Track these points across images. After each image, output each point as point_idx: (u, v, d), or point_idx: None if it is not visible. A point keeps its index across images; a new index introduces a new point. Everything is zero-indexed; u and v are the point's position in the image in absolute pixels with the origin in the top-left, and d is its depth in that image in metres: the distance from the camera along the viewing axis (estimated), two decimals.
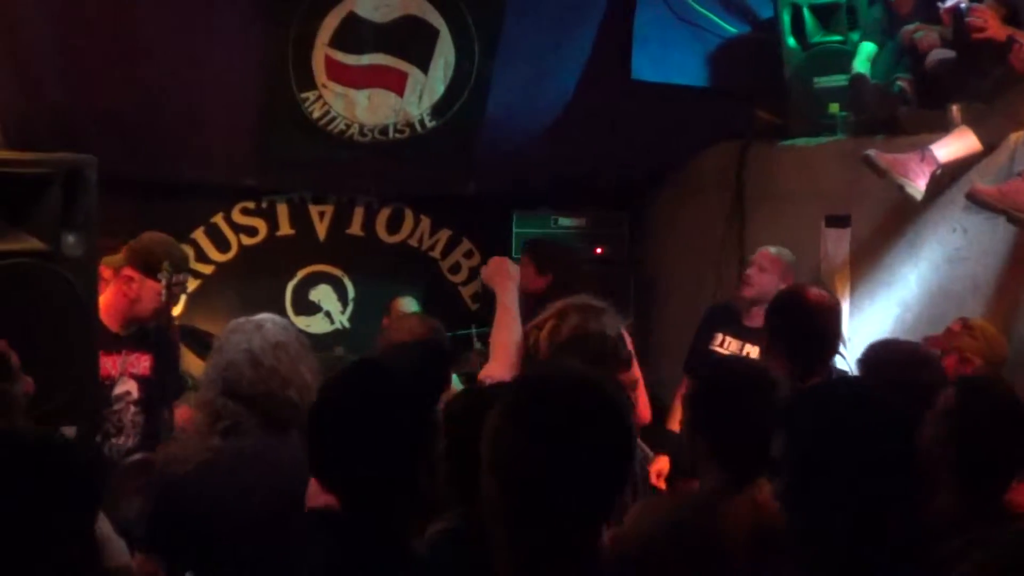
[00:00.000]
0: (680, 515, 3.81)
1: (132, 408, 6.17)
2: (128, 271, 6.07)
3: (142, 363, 6.21)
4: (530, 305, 7.26)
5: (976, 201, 6.46)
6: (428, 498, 3.35)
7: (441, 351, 4.94)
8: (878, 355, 5.10)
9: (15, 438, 3.16)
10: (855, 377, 4.97)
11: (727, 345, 7.45)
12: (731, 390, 3.95)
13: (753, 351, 7.30)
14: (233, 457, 4.35)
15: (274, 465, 4.31)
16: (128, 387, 6.14)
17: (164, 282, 6.01)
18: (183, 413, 5.67)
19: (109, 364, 5.96)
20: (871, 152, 6.81)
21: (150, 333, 6.28)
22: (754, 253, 7.58)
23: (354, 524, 3.18)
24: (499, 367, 5.08)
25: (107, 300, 5.89)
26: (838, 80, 8.05)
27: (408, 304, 8.69)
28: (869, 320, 7.32)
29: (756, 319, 7.27)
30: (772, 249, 7.46)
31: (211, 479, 4.32)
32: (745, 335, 7.38)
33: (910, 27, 7.39)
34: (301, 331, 8.07)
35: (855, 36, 8.06)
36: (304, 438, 4.19)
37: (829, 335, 5.17)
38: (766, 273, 7.36)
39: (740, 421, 3.78)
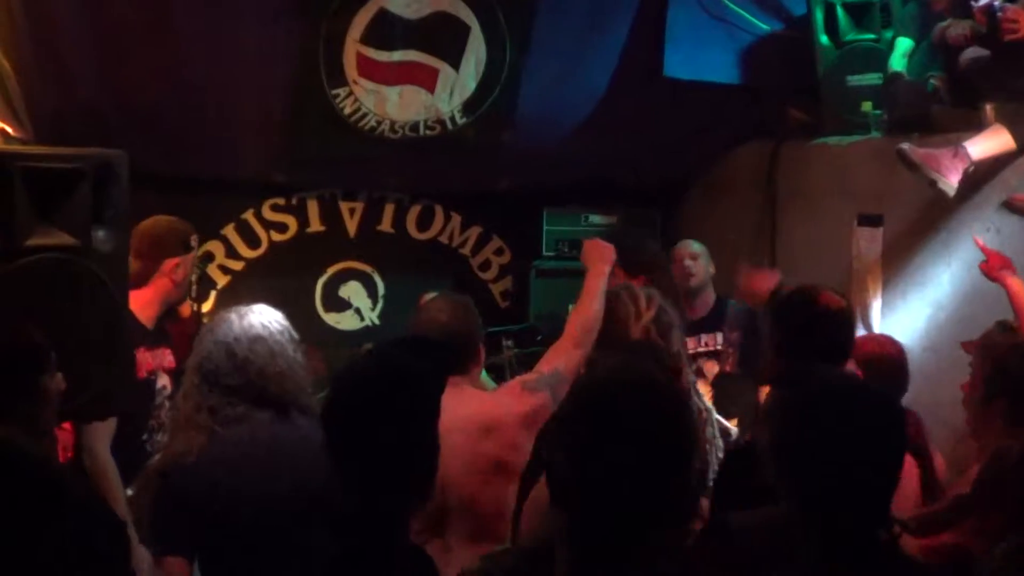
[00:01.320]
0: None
1: (167, 403, 6.19)
2: (171, 261, 6.11)
3: (168, 357, 6.23)
4: None
5: (1015, 209, 6.44)
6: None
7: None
8: None
9: None
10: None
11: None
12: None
13: (710, 339, 7.45)
14: (230, 444, 4.43)
15: (275, 446, 4.42)
16: (164, 382, 6.15)
17: (195, 248, 6.16)
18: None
19: (148, 359, 5.98)
20: (905, 146, 6.78)
21: (166, 328, 6.33)
22: (786, 252, 7.63)
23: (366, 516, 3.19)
24: (557, 356, 5.00)
25: (144, 296, 5.89)
26: (871, 78, 8.02)
27: None
28: (901, 320, 7.29)
29: (698, 310, 7.46)
30: (693, 243, 7.99)
31: (212, 467, 4.40)
32: (693, 329, 7.51)
33: (943, 23, 7.35)
34: (330, 328, 8.25)
35: (888, 34, 8.03)
36: (306, 420, 4.41)
37: (839, 344, 4.74)
38: (699, 260, 7.86)
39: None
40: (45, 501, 2.98)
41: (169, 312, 6.29)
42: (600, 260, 5.38)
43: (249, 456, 4.40)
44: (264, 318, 4.63)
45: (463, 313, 4.86)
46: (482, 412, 4.60)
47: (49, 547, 2.95)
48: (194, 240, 6.26)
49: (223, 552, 4.42)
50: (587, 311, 5.10)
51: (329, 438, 3.26)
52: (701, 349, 7.57)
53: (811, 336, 4.53)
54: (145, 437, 5.93)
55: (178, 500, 4.41)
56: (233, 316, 4.61)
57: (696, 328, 7.53)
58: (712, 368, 7.44)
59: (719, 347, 7.44)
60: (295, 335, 4.72)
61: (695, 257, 7.86)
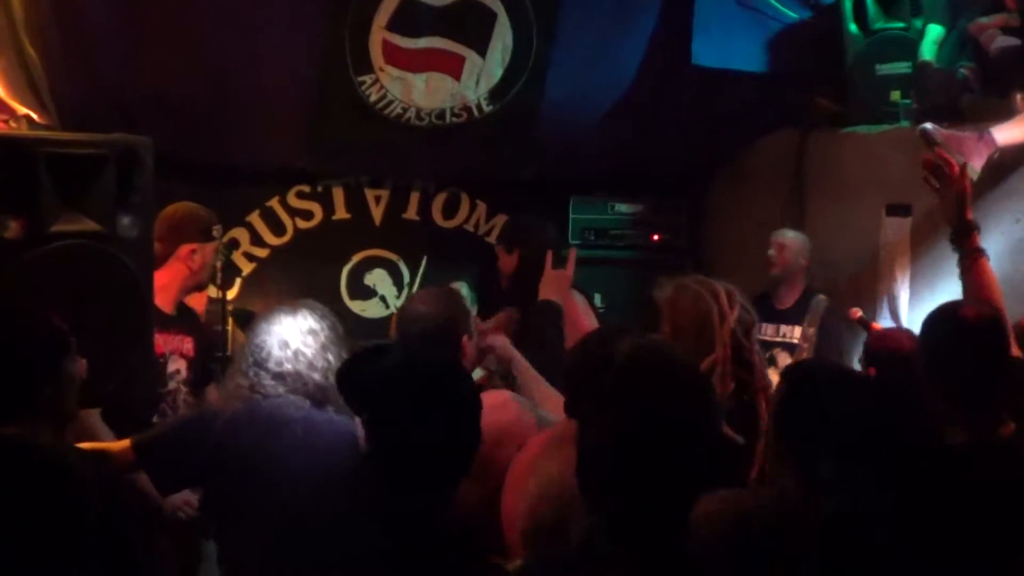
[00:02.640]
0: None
1: (184, 388, 6.20)
2: (188, 247, 6.12)
3: (186, 344, 6.25)
4: (508, 288, 7.22)
5: None
6: None
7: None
8: None
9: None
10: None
11: (763, 331, 7.50)
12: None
13: (789, 331, 7.40)
14: (264, 412, 4.53)
15: (309, 431, 4.49)
16: (178, 366, 6.17)
17: (218, 239, 6.15)
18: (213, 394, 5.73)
19: (160, 342, 5.97)
20: (928, 125, 6.74)
21: (189, 315, 6.34)
22: (813, 241, 7.66)
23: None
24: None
25: (161, 280, 5.88)
26: (900, 67, 7.97)
27: (460, 289, 8.67)
28: (928, 310, 7.21)
29: (785, 300, 7.44)
30: (788, 231, 8.01)
31: (241, 432, 4.49)
32: (777, 318, 7.52)
33: (983, 20, 7.30)
34: (355, 316, 8.24)
35: (918, 23, 7.98)
36: (342, 417, 4.47)
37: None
38: (786, 251, 7.87)
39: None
40: (67, 503, 2.96)
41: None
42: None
43: (279, 427, 4.48)
44: (317, 314, 4.76)
45: (445, 303, 4.89)
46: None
47: (74, 547, 2.94)
48: (216, 230, 6.27)
49: (233, 515, 4.48)
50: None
51: (377, 435, 3.34)
52: (778, 339, 7.65)
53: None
54: (156, 420, 5.94)
55: (195, 440, 4.52)
56: (288, 310, 4.75)
57: (779, 317, 7.69)
58: (785, 360, 7.42)
59: (795, 340, 7.40)
60: (342, 332, 4.82)
61: (781, 247, 7.90)
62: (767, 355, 6.09)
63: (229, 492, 4.51)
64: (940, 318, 4.54)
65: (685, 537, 2.76)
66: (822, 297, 7.43)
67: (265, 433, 4.47)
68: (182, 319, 6.31)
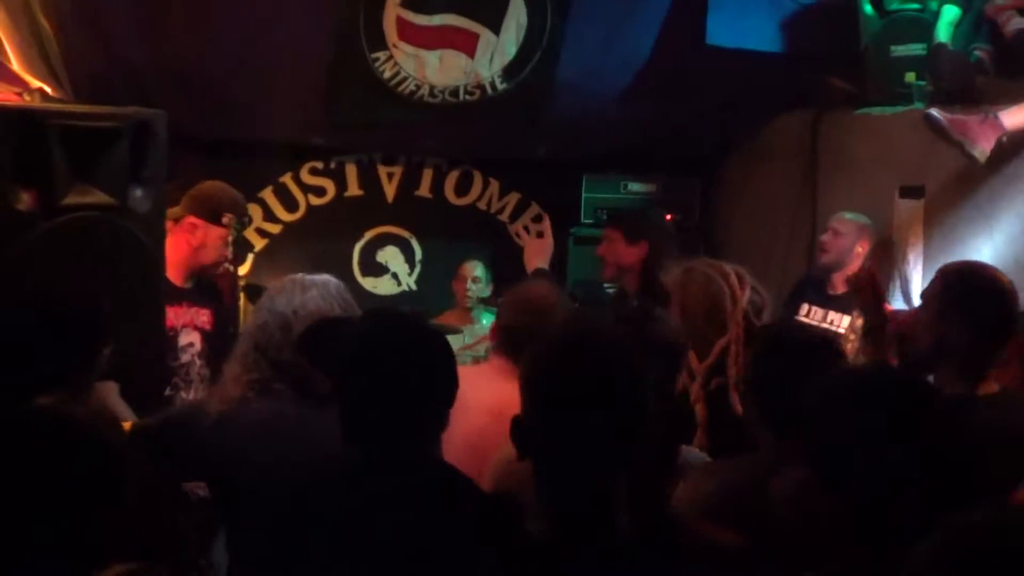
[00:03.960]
0: (735, 483, 3.75)
1: (198, 361, 6.20)
2: (191, 219, 6.10)
3: (202, 316, 6.24)
4: (629, 280, 7.24)
5: None
6: None
7: None
8: None
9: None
10: None
11: (812, 315, 7.44)
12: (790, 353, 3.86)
13: (837, 319, 7.29)
14: (253, 416, 4.33)
15: (304, 433, 4.24)
16: (192, 339, 6.16)
17: (230, 231, 6.08)
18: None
19: (171, 315, 5.96)
20: (932, 111, 6.74)
21: (207, 288, 6.31)
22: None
23: None
24: None
25: (169, 251, 5.82)
26: (915, 49, 7.94)
27: (475, 268, 8.68)
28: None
29: (838, 286, 7.30)
30: (848, 215, 7.60)
31: (226, 434, 4.31)
32: (828, 303, 7.39)
33: (1000, 2, 7.28)
34: (367, 292, 8.23)
35: (933, 4, 7.94)
36: None
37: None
38: (840, 237, 7.41)
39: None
40: (106, 475, 2.94)
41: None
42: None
43: (268, 429, 4.32)
44: (326, 291, 4.45)
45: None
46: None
47: (110, 520, 2.93)
48: (227, 218, 6.19)
49: (227, 511, 4.44)
50: None
51: (347, 391, 3.36)
52: (824, 324, 7.43)
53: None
54: (169, 392, 5.94)
55: (183, 437, 4.40)
56: (295, 288, 4.43)
57: (830, 303, 7.48)
58: None
59: (843, 330, 7.27)
60: (357, 310, 4.49)
61: (836, 233, 7.60)
62: None
63: (218, 491, 4.45)
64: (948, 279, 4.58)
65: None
66: None
67: (252, 440, 4.26)
68: (198, 292, 6.30)
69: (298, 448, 4.10)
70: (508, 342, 4.86)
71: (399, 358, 3.32)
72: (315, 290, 4.43)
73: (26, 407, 3.32)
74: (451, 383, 3.39)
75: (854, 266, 7.48)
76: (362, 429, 3.34)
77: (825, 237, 7.63)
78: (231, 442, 4.25)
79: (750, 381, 4.01)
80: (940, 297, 4.48)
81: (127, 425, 4.58)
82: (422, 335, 3.44)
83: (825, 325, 7.37)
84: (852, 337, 6.85)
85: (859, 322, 6.87)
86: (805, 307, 7.53)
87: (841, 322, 7.30)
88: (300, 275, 4.51)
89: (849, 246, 7.57)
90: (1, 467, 2.79)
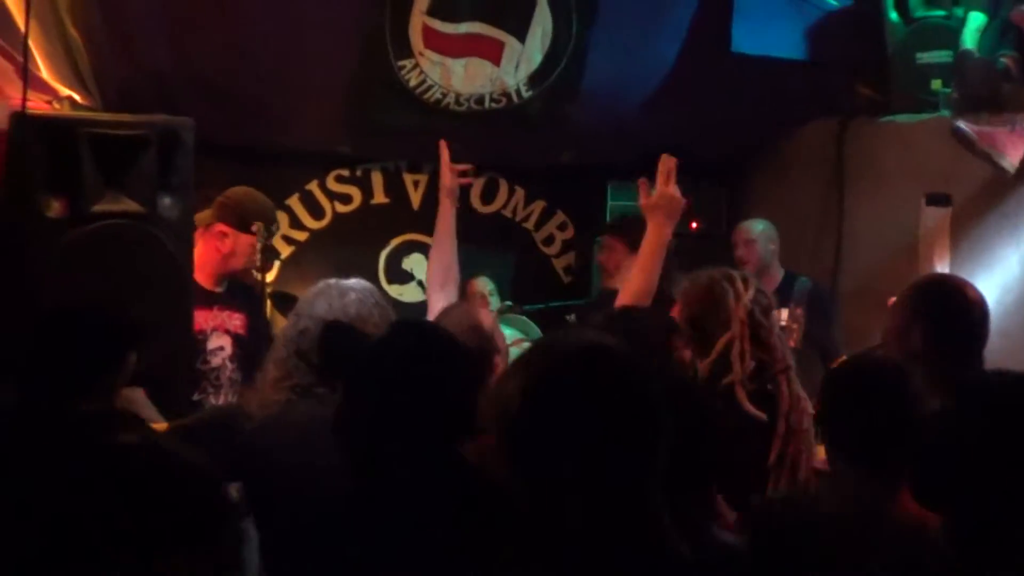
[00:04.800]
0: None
1: (230, 365, 6.19)
2: (221, 226, 6.09)
3: (234, 320, 6.23)
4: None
5: None
6: None
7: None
8: None
9: None
10: None
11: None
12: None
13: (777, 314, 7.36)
14: (299, 418, 4.29)
15: None
16: (222, 342, 6.15)
17: (259, 238, 6.07)
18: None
19: (200, 319, 5.95)
20: (960, 123, 6.74)
21: (241, 292, 6.31)
22: (852, 230, 7.60)
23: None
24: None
25: (198, 255, 5.84)
26: (941, 56, 7.94)
27: (485, 283, 8.68)
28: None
29: (768, 286, 7.42)
30: (745, 223, 8.08)
31: (272, 436, 4.30)
32: None
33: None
34: (393, 300, 8.24)
35: (959, 11, 7.95)
36: None
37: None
38: (754, 244, 7.88)
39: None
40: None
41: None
42: (668, 215, 5.13)
43: (311, 437, 4.32)
44: (365, 297, 4.47)
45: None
46: None
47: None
48: (256, 226, 6.18)
49: (263, 517, 4.42)
50: (644, 281, 4.93)
51: (366, 394, 3.35)
52: None
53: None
54: (199, 396, 5.95)
55: (224, 438, 4.39)
56: (334, 293, 4.44)
57: None
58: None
59: (784, 323, 7.35)
60: (392, 316, 4.53)
61: (749, 243, 7.85)
62: None
63: (256, 495, 4.44)
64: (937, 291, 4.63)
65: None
66: (805, 279, 7.55)
67: (295, 445, 4.21)
68: (230, 295, 6.29)
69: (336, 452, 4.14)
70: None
71: (419, 370, 3.31)
72: (353, 295, 4.44)
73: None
74: (471, 393, 3.36)
75: (775, 267, 7.79)
76: (379, 443, 3.33)
77: (740, 252, 7.86)
78: (273, 444, 4.25)
79: (822, 414, 3.92)
80: (906, 306, 4.53)
81: (163, 426, 4.60)
82: (444, 346, 3.42)
83: None
84: (795, 326, 6.92)
85: (798, 311, 6.94)
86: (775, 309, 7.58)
87: (780, 316, 7.35)
88: (336, 280, 4.51)
89: (764, 250, 7.83)
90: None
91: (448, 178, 5.66)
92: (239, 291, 6.33)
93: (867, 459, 3.51)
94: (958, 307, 4.51)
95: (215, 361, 6.13)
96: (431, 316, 4.78)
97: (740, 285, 4.95)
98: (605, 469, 2.58)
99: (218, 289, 6.18)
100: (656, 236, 5.06)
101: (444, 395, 3.33)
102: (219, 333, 6.14)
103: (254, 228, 6.12)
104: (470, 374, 3.42)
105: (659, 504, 2.65)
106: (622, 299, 4.90)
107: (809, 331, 7.02)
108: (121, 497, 2.58)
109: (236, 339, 6.22)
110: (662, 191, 5.07)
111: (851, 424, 3.60)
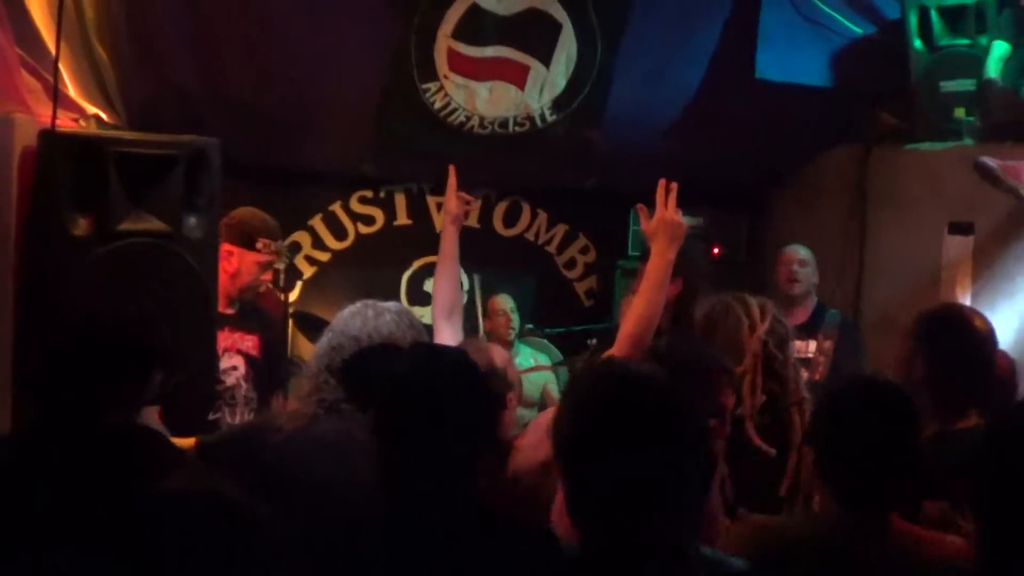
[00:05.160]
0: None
1: (244, 384, 6.21)
2: (226, 246, 6.09)
3: (246, 341, 6.24)
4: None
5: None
6: None
7: None
8: None
9: None
10: None
11: None
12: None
13: (804, 346, 7.27)
14: (323, 433, 4.31)
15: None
16: (234, 362, 6.15)
17: (264, 255, 6.10)
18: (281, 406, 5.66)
19: None
20: (983, 158, 6.73)
21: (253, 315, 6.33)
22: (875, 258, 7.58)
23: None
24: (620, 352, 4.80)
25: None
26: (965, 84, 7.93)
27: (507, 301, 8.69)
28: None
29: (799, 315, 7.35)
30: (796, 245, 7.93)
31: (295, 451, 4.28)
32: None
33: None
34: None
35: (983, 40, 7.93)
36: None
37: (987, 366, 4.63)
38: (807, 266, 7.77)
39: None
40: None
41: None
42: (670, 240, 4.99)
43: (338, 451, 4.34)
44: (399, 319, 4.46)
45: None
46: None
47: None
48: (260, 243, 6.19)
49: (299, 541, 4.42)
50: (646, 308, 4.79)
51: (396, 422, 3.37)
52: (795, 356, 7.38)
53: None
54: (214, 416, 5.96)
55: (253, 451, 4.40)
56: (369, 312, 4.44)
57: (796, 333, 7.39)
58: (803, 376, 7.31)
59: (809, 355, 7.29)
60: (425, 337, 4.62)
61: (803, 263, 7.78)
62: None
63: (282, 507, 4.43)
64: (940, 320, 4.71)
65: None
66: (835, 312, 7.52)
67: (322, 457, 4.23)
68: (242, 317, 6.31)
69: (362, 468, 4.15)
70: None
71: (433, 395, 3.35)
72: (388, 315, 4.44)
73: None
74: (486, 418, 3.43)
75: (812, 295, 7.75)
76: (395, 466, 3.38)
77: (795, 268, 7.76)
78: (298, 459, 4.27)
79: (813, 441, 3.77)
80: (910, 334, 4.55)
81: (189, 442, 4.61)
82: (459, 371, 3.44)
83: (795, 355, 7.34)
84: (822, 359, 6.87)
85: (827, 344, 6.87)
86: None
87: (808, 348, 7.28)
88: (373, 301, 4.51)
89: (813, 275, 7.78)
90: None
91: (454, 203, 5.64)
92: (251, 313, 6.35)
93: (857, 492, 3.46)
94: (959, 335, 4.53)
95: (229, 380, 6.14)
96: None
97: (756, 313, 4.96)
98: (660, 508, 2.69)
99: (229, 311, 6.19)
100: (658, 261, 4.92)
101: (471, 420, 3.36)
102: (231, 353, 6.15)
103: (259, 245, 6.15)
104: (493, 401, 3.45)
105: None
106: (626, 325, 4.79)
107: (838, 365, 6.98)
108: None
109: (249, 359, 6.24)
110: (661, 216, 4.99)
111: (838, 456, 3.52)
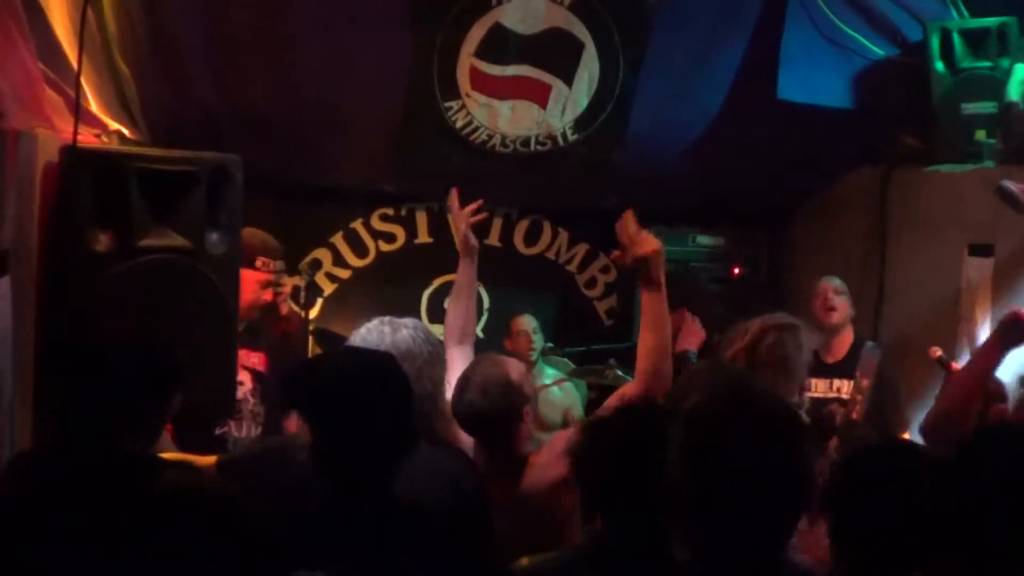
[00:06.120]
0: None
1: (251, 399, 6.22)
2: None
3: (252, 358, 6.25)
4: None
5: None
6: None
7: None
8: None
9: None
10: None
11: (815, 388, 7.13)
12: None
13: (841, 385, 7.14)
14: None
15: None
16: (241, 377, 6.16)
17: (263, 273, 6.12)
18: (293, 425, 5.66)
19: None
20: (1004, 182, 6.72)
21: (260, 333, 6.35)
22: (895, 280, 7.54)
23: None
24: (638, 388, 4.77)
25: None
26: (986, 107, 7.93)
27: (530, 321, 8.68)
28: (1007, 355, 7.18)
29: (837, 352, 7.22)
30: (832, 277, 7.68)
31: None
32: (830, 372, 7.27)
33: None
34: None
35: (1005, 62, 7.94)
36: (435, 449, 4.29)
37: None
38: (844, 297, 7.56)
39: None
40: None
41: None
42: (653, 268, 4.79)
43: None
44: (417, 334, 4.49)
45: (499, 393, 4.75)
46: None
47: None
48: (260, 262, 6.18)
49: None
50: (655, 341, 4.70)
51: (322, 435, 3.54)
52: (832, 395, 7.15)
53: None
54: (220, 431, 5.98)
55: (277, 470, 4.41)
56: (387, 328, 4.48)
57: (830, 371, 7.26)
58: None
59: (845, 395, 6.97)
60: (444, 356, 4.62)
61: (839, 292, 7.58)
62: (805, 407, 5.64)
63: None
64: None
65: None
66: (872, 344, 7.30)
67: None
68: (249, 335, 6.30)
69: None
70: None
71: (350, 393, 3.53)
72: (405, 331, 4.48)
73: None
74: (404, 414, 3.56)
75: (850, 329, 7.53)
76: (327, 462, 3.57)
77: (831, 297, 7.55)
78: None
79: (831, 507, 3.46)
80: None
81: (210, 460, 4.63)
82: (378, 373, 3.58)
83: (832, 395, 7.16)
84: (859, 398, 6.69)
85: (864, 382, 6.73)
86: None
87: (847, 388, 7.06)
88: (391, 317, 4.55)
89: (849, 307, 7.60)
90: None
91: (464, 231, 5.64)
92: (258, 332, 6.37)
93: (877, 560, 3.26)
94: None
95: (236, 395, 6.15)
96: (450, 371, 4.77)
97: (741, 332, 5.01)
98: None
99: (243, 328, 6.21)
100: (649, 294, 4.77)
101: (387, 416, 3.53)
102: (238, 368, 6.17)
103: (258, 264, 6.16)
104: (405, 393, 3.58)
105: None
106: (641, 362, 4.73)
107: (876, 403, 6.76)
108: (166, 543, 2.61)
109: (256, 375, 6.26)
110: (633, 256, 4.83)
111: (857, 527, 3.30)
